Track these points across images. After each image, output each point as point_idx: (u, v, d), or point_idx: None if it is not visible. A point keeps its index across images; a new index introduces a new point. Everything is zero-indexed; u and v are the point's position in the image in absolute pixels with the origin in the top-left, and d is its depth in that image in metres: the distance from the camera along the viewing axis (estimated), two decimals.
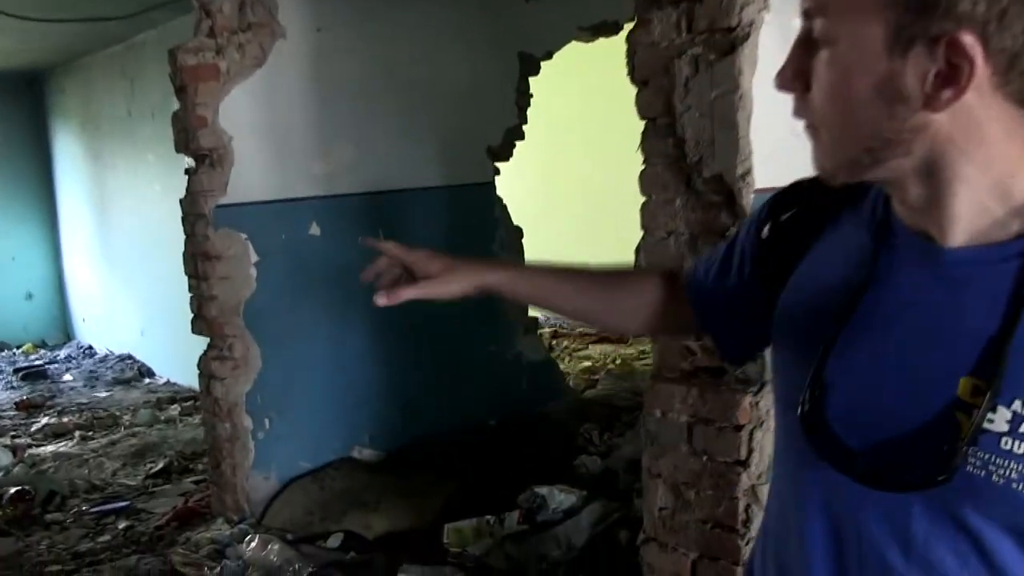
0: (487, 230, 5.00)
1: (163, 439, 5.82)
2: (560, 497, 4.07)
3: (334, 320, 4.45)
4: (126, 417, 6.62)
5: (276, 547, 3.82)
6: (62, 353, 8.86)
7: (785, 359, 1.08)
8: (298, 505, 4.19)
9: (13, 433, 6.41)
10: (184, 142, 4.02)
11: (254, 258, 4.16)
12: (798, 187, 1.13)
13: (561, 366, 6.07)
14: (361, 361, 4.59)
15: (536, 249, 5.21)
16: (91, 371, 8.19)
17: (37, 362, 8.50)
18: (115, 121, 7.52)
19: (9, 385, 7.91)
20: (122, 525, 4.53)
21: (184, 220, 4.21)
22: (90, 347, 8.90)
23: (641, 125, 2.44)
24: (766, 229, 1.14)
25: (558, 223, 7.91)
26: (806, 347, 0.98)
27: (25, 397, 7.32)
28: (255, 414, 4.24)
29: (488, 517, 3.98)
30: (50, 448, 6.00)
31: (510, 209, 5.17)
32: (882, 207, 0.97)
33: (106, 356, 8.56)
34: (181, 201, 4.19)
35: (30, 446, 6.05)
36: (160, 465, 5.36)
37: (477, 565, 3.71)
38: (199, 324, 4.28)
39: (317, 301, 4.37)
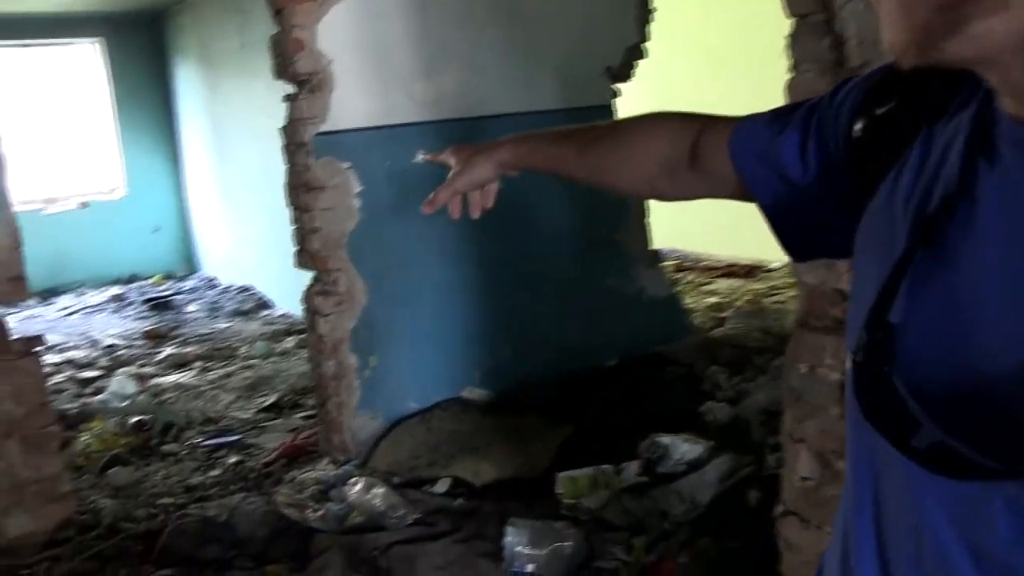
0: None
1: (276, 372, 5.66)
2: (684, 448, 3.70)
3: (442, 253, 4.14)
4: (243, 349, 6.52)
5: (380, 491, 3.58)
6: (188, 284, 8.87)
7: (854, 284, 0.83)
8: (404, 447, 3.94)
9: (141, 362, 6.39)
10: (282, 67, 3.73)
11: (357, 188, 3.87)
12: (896, 75, 0.82)
13: (687, 301, 5.64)
14: (471, 296, 4.28)
15: None
16: (213, 302, 8.15)
17: (164, 293, 8.53)
18: (228, 54, 7.34)
19: (139, 315, 7.94)
20: (232, 460, 4.38)
21: (285, 150, 3.94)
22: (213, 278, 8.89)
23: (786, 27, 1.99)
24: (859, 125, 0.86)
25: None
26: (878, 278, 0.73)
27: (152, 327, 7.32)
28: (360, 351, 3.99)
29: (605, 467, 3.65)
30: (172, 378, 5.94)
31: None
32: (987, 104, 0.69)
33: (228, 287, 8.52)
34: (281, 130, 3.91)
35: (154, 376, 6.01)
36: (271, 399, 5.21)
37: (591, 519, 3.39)
38: (302, 257, 4.03)
39: (424, 233, 4.07)
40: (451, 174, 1.32)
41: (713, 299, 6.41)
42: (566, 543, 3.11)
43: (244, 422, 4.95)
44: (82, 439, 4.61)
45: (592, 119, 3.95)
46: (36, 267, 8.52)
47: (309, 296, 4.02)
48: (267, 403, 5.17)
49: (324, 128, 3.75)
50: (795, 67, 1.95)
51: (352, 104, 3.81)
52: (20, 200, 8.75)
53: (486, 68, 4.14)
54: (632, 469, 3.64)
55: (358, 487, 3.65)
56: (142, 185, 9.15)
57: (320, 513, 3.56)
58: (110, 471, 4.27)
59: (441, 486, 3.74)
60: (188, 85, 8.71)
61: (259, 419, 4.98)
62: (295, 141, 3.83)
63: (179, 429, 4.87)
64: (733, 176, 1.03)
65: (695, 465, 3.60)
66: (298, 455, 4.27)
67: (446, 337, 4.23)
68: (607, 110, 4.56)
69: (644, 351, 4.69)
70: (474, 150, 1.31)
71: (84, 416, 5.11)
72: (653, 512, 3.34)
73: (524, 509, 3.48)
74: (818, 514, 2.01)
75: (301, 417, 4.84)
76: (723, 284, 6.86)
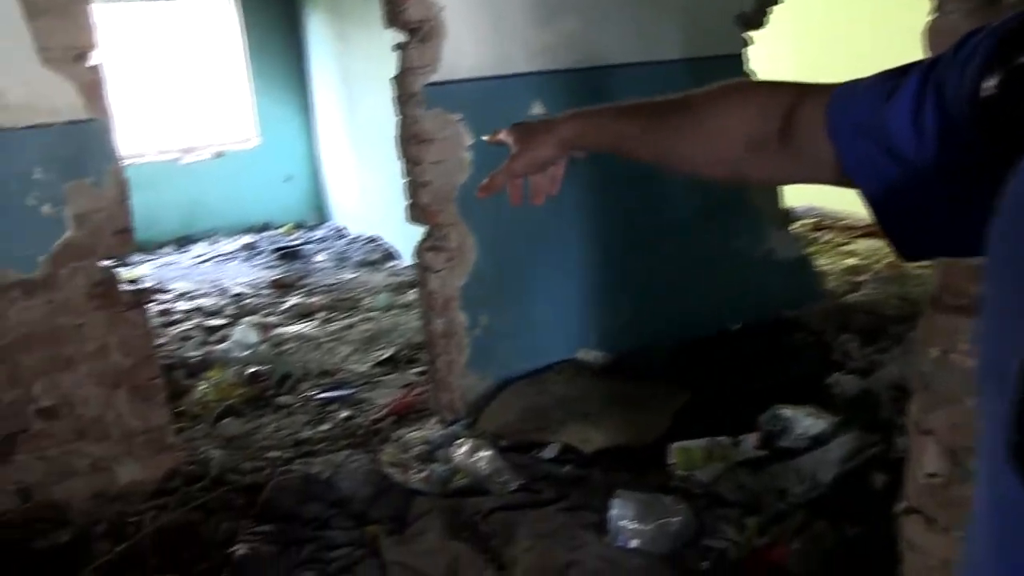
0: None
1: (395, 326, 5.64)
2: (807, 422, 3.48)
3: (559, 208, 3.97)
4: (366, 300, 6.53)
5: (486, 454, 3.49)
6: (317, 234, 8.96)
7: (995, 300, 0.59)
8: (513, 410, 3.83)
9: (266, 311, 6.48)
10: (392, 15, 3.61)
11: (469, 140, 3.74)
12: None
13: (822, 262, 5.32)
14: (589, 254, 4.11)
15: None
16: (341, 252, 8.21)
17: (293, 242, 8.64)
18: (356, 2, 7.29)
19: (268, 264, 8.07)
20: (343, 415, 4.37)
21: (396, 100, 3.83)
22: (342, 228, 8.95)
23: None
24: (992, 81, 0.65)
25: None
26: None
27: (279, 276, 7.43)
28: (471, 309, 3.89)
29: (721, 438, 3.46)
30: (294, 328, 6.00)
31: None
32: None
33: (356, 238, 8.57)
34: (392, 80, 3.81)
35: (277, 326, 6.09)
36: (388, 353, 5.18)
37: (704, 492, 3.21)
38: (413, 212, 3.93)
39: None
40: (510, 155, 1.17)
41: (851, 261, 6.05)
42: (673, 519, 2.95)
43: (359, 376, 4.95)
44: (200, 388, 4.68)
45: (720, 69, 3.75)
46: (172, 215, 8.94)
47: (420, 251, 3.93)
48: (383, 357, 5.15)
49: (435, 78, 3.63)
50: (938, 7, 1.70)
51: (464, 53, 3.67)
52: (157, 150, 9.05)
53: (606, 14, 3.92)
54: (750, 442, 3.44)
55: (464, 449, 3.56)
56: (274, 135, 9.25)
57: (424, 474, 3.49)
58: (223, 421, 4.32)
59: (549, 451, 3.63)
60: (318, 34, 8.73)
61: (374, 373, 4.96)
62: (405, 91, 3.71)
63: (295, 381, 4.90)
64: (832, 155, 0.84)
65: (818, 441, 3.38)
66: (407, 413, 4.22)
67: (561, 296, 4.08)
68: (737, 60, 4.28)
69: (770, 315, 4.44)
70: (530, 128, 1.16)
71: (206, 365, 5.21)
72: (770, 489, 3.14)
73: (634, 479, 3.34)
74: (946, 515, 1.78)
75: (415, 373, 4.80)
76: (863, 245, 6.46)
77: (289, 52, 9.19)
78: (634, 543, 2.93)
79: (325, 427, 4.27)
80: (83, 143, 3.19)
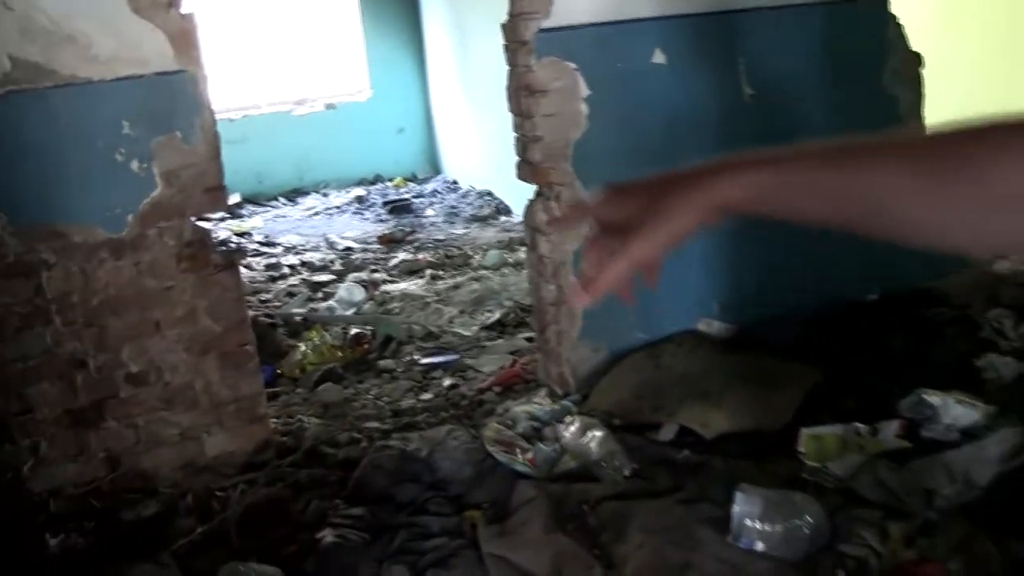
0: (875, 58, 3.87)
1: (504, 286, 5.40)
2: (957, 410, 3.09)
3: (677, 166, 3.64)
4: (476, 258, 6.31)
5: (597, 435, 3.21)
6: (428, 187, 8.78)
7: None
8: (628, 386, 3.54)
9: (373, 267, 6.33)
10: None
11: (584, 92, 3.42)
12: None
13: None
14: None
15: (936, 83, 4.02)
16: (452, 207, 8.01)
17: (405, 195, 8.48)
18: None
19: (378, 218, 7.93)
20: (447, 383, 4.17)
21: (506, 49, 3.54)
22: (455, 182, 8.75)
23: None
24: None
25: (967, 50, 5.94)
26: None
27: (388, 231, 7.27)
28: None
29: (858, 425, 3.11)
30: (401, 286, 5.83)
31: (906, 30, 3.97)
32: None
33: (468, 191, 8.35)
34: (502, 26, 3.51)
35: (384, 282, 5.92)
36: (496, 316, 4.94)
37: (838, 488, 2.87)
38: (523, 169, 3.65)
39: (660, 144, 3.57)
40: (626, 242, 0.80)
41: None
42: (805, 520, 2.62)
43: (465, 340, 4.73)
44: (300, 350, 4.53)
45: (860, 13, 3.30)
46: (284, 168, 8.88)
47: (530, 212, 3.66)
48: (491, 320, 4.92)
49: (548, 24, 3.32)
50: None
51: None
52: (270, 102, 8.97)
53: None
54: (891, 431, 3.08)
55: (573, 428, 3.30)
56: (387, 86, 9.07)
57: (529, 456, 3.25)
58: (321, 387, 4.16)
59: (666, 433, 3.34)
60: None
61: (480, 337, 4.74)
62: (516, 38, 3.42)
63: (398, 344, 4.72)
64: None
65: (971, 434, 3.00)
66: (514, 384, 3.98)
67: (682, 262, 3.74)
68: (881, 5, 3.82)
69: (910, 286, 4.01)
70: (653, 192, 0.80)
71: (309, 324, 5.07)
72: (915, 489, 2.78)
73: (759, 470, 3.03)
74: None
75: (525, 338, 4.55)
76: None
77: (402, 2, 8.97)
78: (759, 546, 2.62)
79: (427, 396, 4.07)
80: (173, 95, 3.01)
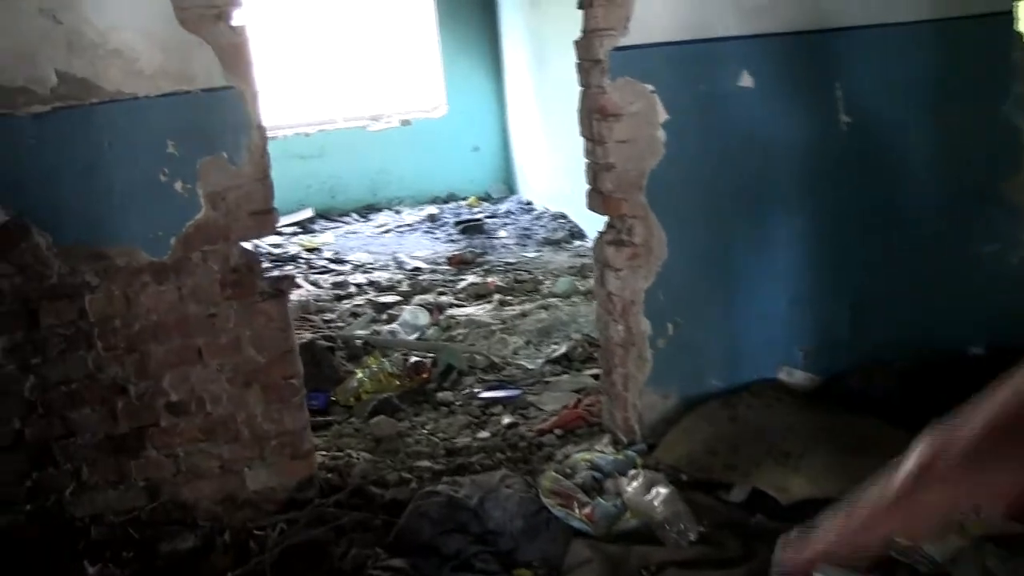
0: (995, 83, 3.48)
1: (573, 317, 5.12)
2: None
3: (766, 201, 3.34)
4: (546, 283, 6.06)
5: (663, 492, 2.92)
6: (503, 207, 8.56)
7: None
8: (699, 438, 3.23)
9: (440, 290, 6.12)
10: None
11: (663, 117, 3.14)
12: None
13: None
14: (800, 255, 3.44)
15: None
16: (525, 228, 7.77)
17: (477, 215, 8.28)
18: None
19: (449, 237, 7.74)
20: (505, 421, 3.92)
21: (579, 68, 3.28)
22: (529, 203, 8.52)
23: None
24: None
25: None
26: None
27: (458, 252, 7.06)
28: (656, 316, 3.31)
29: None
30: (467, 310, 5.60)
31: None
32: None
33: (542, 213, 8.12)
34: (576, 44, 3.26)
35: (451, 306, 5.71)
36: (562, 349, 4.67)
37: (934, 574, 2.53)
38: (593, 199, 3.39)
39: (745, 175, 3.28)
40: None
41: None
42: None
43: (528, 374, 4.47)
44: (357, 376, 4.33)
45: (978, 33, 2.91)
46: (358, 183, 8.76)
47: (599, 245, 3.39)
48: (557, 353, 4.65)
49: (623, 42, 3.05)
50: None
51: (659, 12, 3.06)
52: (345, 117, 8.87)
53: None
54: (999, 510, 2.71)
55: (637, 482, 3.01)
56: (463, 103, 8.90)
57: (587, 510, 2.96)
58: (375, 419, 3.94)
59: (738, 494, 3.03)
60: (510, 1, 8.29)
61: (545, 371, 4.48)
62: (589, 57, 3.16)
63: (459, 374, 4.49)
64: None
65: None
66: (576, 426, 3.71)
67: (764, 304, 3.43)
68: (1004, 20, 3.45)
69: (1021, 343, 3.62)
70: None
71: (369, 348, 4.87)
72: None
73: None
74: None
75: (592, 375, 4.26)
76: None
77: (480, 19, 8.81)
78: None
79: (484, 435, 3.82)
80: (220, 113, 2.82)
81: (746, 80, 3.17)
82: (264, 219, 2.95)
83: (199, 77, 2.78)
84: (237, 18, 2.81)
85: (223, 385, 3.01)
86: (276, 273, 4.46)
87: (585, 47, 3.17)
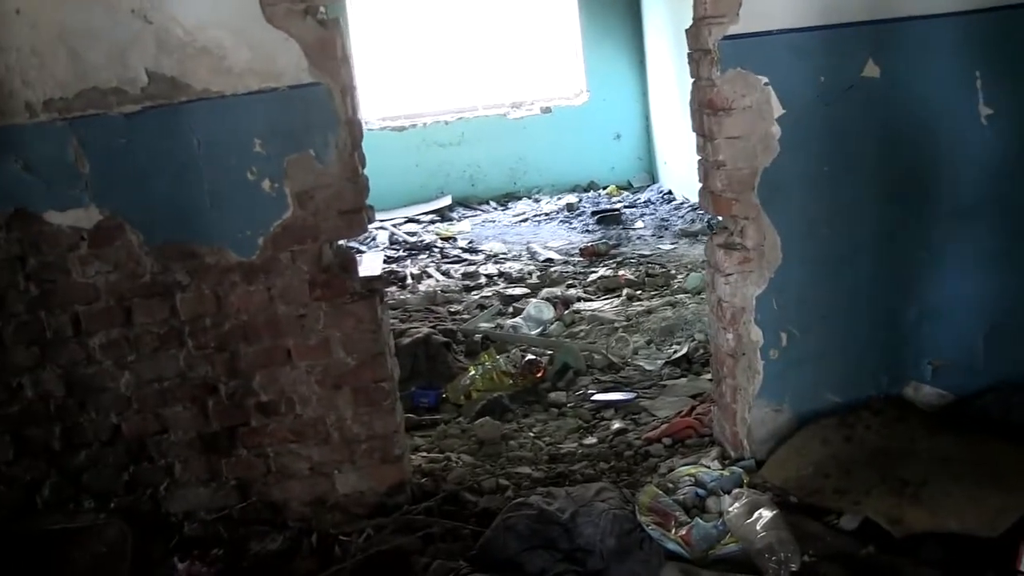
0: None
1: (698, 316, 4.87)
2: None
3: (894, 201, 3.02)
4: (679, 277, 5.82)
5: (767, 516, 2.69)
6: (643, 197, 8.33)
7: None
8: (811, 458, 2.97)
9: (570, 282, 5.99)
10: None
11: (778, 111, 2.88)
12: None
13: None
14: (930, 259, 3.11)
15: None
16: (663, 219, 7.53)
17: (616, 204, 8.07)
18: None
19: (585, 227, 7.58)
20: (615, 426, 3.74)
21: (689, 59, 3.06)
22: (669, 192, 8.25)
23: None
24: None
25: None
26: None
27: (592, 243, 6.88)
28: (768, 326, 3.06)
29: None
30: (594, 305, 5.45)
31: None
32: None
33: (682, 203, 7.85)
34: (687, 32, 3.04)
35: (578, 300, 5.56)
36: (683, 350, 4.46)
37: None
38: (704, 198, 3.18)
39: (869, 174, 2.98)
40: None
41: None
42: None
43: (646, 375, 4.29)
44: (469, 374, 4.23)
45: None
46: (498, 171, 8.70)
47: (710, 248, 3.16)
48: (677, 354, 4.44)
49: (734, 30, 2.80)
50: None
51: None
52: (485, 104, 8.81)
53: None
54: None
55: (740, 504, 2.79)
56: (604, 90, 8.71)
57: (684, 531, 2.76)
58: (481, 420, 3.84)
59: (849, 521, 2.76)
60: None
61: (663, 374, 4.28)
62: (698, 47, 2.94)
63: (575, 373, 4.35)
64: None
65: None
66: (686, 436, 3.50)
67: (888, 313, 3.13)
68: None
69: None
70: None
71: (489, 342, 4.78)
72: None
73: None
74: None
75: (711, 379, 4.02)
76: None
77: (623, 3, 8.59)
78: None
79: (591, 440, 3.67)
80: (307, 111, 2.75)
81: (871, 69, 2.87)
82: (354, 218, 2.87)
83: (286, 74, 2.72)
84: (326, 12, 2.74)
85: (312, 387, 2.96)
86: (379, 270, 4.42)
87: (694, 36, 2.96)
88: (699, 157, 3.15)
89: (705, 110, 2.98)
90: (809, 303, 3.07)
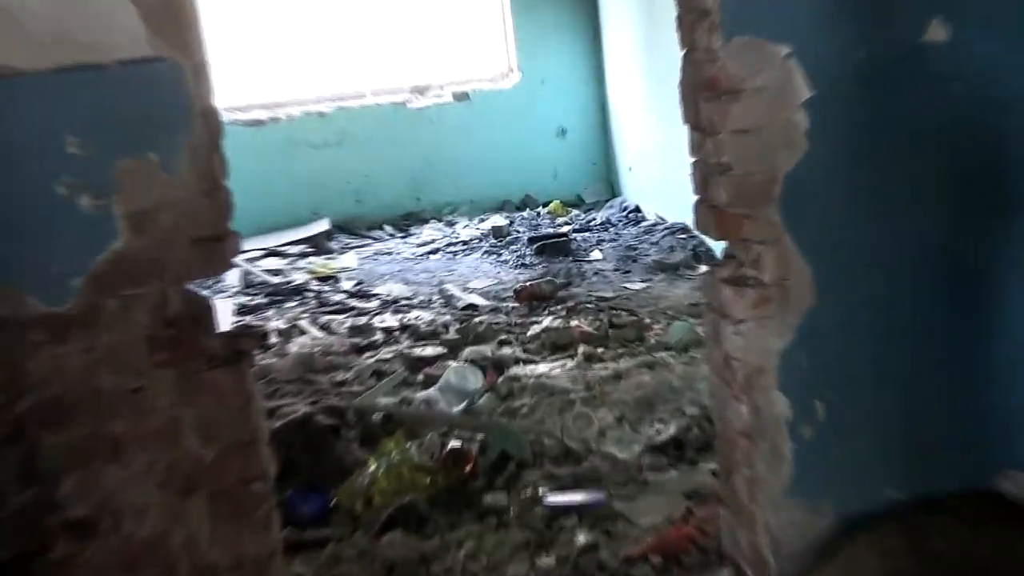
0: None
1: (689, 381, 4.94)
2: None
3: (973, 214, 3.07)
4: (655, 328, 5.90)
5: None
6: (599, 216, 8.50)
7: None
8: None
9: (503, 338, 6.04)
10: None
11: (804, 93, 2.91)
12: None
13: None
14: (1018, 299, 3.18)
15: None
16: (630, 247, 7.71)
17: (562, 228, 8.20)
18: None
19: (520, 261, 7.66)
20: (581, 540, 3.74)
21: (679, 23, 3.12)
22: (636, 209, 8.43)
23: None
24: None
25: None
26: None
27: (530, 282, 6.97)
28: (797, 392, 3.07)
29: None
30: (539, 369, 5.51)
31: None
32: None
33: (655, 224, 8.02)
34: None
35: (515, 362, 5.60)
36: (671, 431, 4.51)
37: None
38: (703, 215, 3.21)
39: (937, 179, 3.03)
40: None
41: None
42: None
43: (618, 467, 4.30)
44: (370, 469, 4.20)
45: None
46: (394, 183, 8.83)
47: (711, 284, 3.18)
48: (663, 437, 4.49)
49: None
50: None
51: None
52: (377, 90, 8.90)
53: None
54: None
55: None
56: (542, 70, 8.92)
57: None
58: (388, 535, 3.83)
59: None
60: None
61: (644, 465, 4.30)
62: (693, 7, 2.97)
63: (519, 466, 4.40)
64: None
65: None
66: (683, 552, 3.53)
67: (968, 369, 3.18)
68: None
69: None
70: None
71: (393, 424, 4.77)
72: None
73: None
74: None
75: (712, 471, 4.06)
76: None
77: None
78: None
79: (548, 561, 3.66)
80: (147, 96, 2.69)
81: (936, 32, 2.92)
82: (214, 249, 2.80)
83: (118, 45, 2.65)
84: None
85: (151, 493, 2.87)
86: (232, 326, 4.35)
87: None
88: (693, 159, 3.19)
89: (702, 93, 3.01)
90: (853, 360, 3.09)
